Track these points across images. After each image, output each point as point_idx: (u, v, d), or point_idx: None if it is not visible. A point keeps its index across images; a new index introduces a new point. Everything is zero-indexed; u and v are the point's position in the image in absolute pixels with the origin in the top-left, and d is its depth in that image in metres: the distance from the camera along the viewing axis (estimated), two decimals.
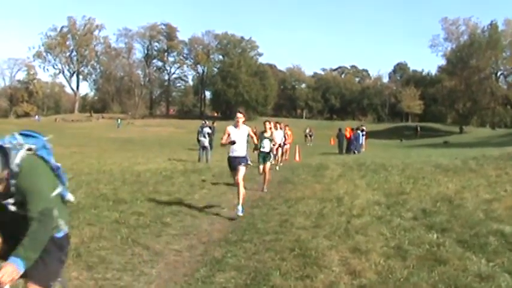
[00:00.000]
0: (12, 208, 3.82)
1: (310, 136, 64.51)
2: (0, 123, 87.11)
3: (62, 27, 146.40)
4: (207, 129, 29.14)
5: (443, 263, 7.40)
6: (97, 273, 7.30)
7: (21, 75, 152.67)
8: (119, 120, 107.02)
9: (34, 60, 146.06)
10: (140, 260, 8.00)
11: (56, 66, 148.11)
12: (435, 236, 9.03)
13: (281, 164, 25.46)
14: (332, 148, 41.44)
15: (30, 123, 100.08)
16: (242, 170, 12.15)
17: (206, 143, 28.59)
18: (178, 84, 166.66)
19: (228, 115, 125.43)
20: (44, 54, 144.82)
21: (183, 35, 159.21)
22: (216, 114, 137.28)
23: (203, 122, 30.32)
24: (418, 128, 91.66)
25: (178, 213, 11.88)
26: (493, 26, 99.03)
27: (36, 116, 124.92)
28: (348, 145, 39.49)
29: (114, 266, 7.62)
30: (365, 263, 7.55)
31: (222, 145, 12.12)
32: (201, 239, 9.43)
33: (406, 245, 8.45)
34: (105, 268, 7.52)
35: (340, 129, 42.90)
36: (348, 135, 39.92)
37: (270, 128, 17.74)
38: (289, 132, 30.29)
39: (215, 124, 42.62)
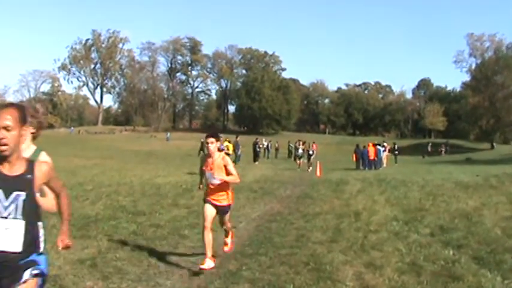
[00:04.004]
0: None
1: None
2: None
3: (87, 40, 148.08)
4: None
5: (458, 279, 7.38)
6: (112, 283, 7.39)
7: (45, 87, 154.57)
8: (168, 133, 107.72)
9: (59, 72, 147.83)
10: (156, 271, 8.09)
11: (80, 79, 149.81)
12: (451, 252, 9.01)
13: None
14: (354, 164, 41.20)
15: (54, 134, 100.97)
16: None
17: None
18: (202, 98, 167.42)
19: (251, 129, 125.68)
20: (69, 66, 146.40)
21: (206, 49, 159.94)
22: (243, 128, 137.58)
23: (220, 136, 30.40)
24: (447, 147, 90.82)
25: (196, 225, 11.90)
26: None
27: (72, 128, 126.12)
28: (368, 161, 39.17)
29: (130, 277, 7.72)
30: (379, 278, 7.56)
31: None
32: (217, 251, 9.45)
33: (421, 261, 8.44)
34: (120, 278, 7.61)
35: (357, 145, 42.65)
36: (372, 155, 39.50)
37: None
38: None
39: (239, 138, 42.84)
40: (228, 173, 8.49)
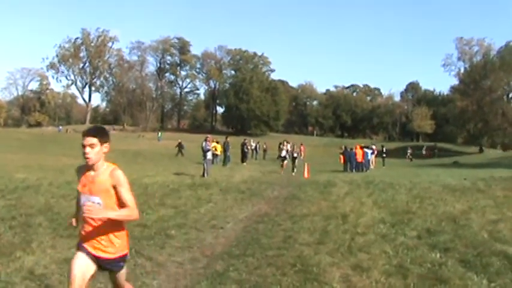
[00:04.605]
0: None
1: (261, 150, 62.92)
2: (17, 133, 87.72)
3: (76, 38, 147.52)
4: (203, 143, 29.23)
5: (444, 282, 7.41)
6: (99, 283, 7.34)
7: (34, 85, 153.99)
8: (159, 133, 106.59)
9: (47, 71, 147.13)
10: (142, 271, 8.07)
11: (68, 77, 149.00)
12: (438, 255, 9.04)
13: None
14: (341, 166, 41.16)
15: (42, 133, 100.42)
16: None
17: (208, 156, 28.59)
18: (190, 98, 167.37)
19: (239, 130, 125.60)
20: (58, 65, 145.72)
21: (195, 50, 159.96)
22: (231, 129, 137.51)
23: (205, 136, 30.30)
24: (435, 150, 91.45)
25: (183, 226, 11.92)
26: (507, 47, 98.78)
27: (60, 127, 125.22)
28: (356, 163, 39.08)
29: None
30: (365, 280, 7.58)
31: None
32: (204, 252, 9.46)
33: (408, 264, 8.46)
34: (107, 278, 7.57)
35: (345, 147, 42.64)
36: (360, 158, 39.35)
37: None
38: None
39: (228, 139, 42.81)
40: (120, 202, 5.01)
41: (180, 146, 61.19)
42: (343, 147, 58.22)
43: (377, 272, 7.94)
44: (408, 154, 68.93)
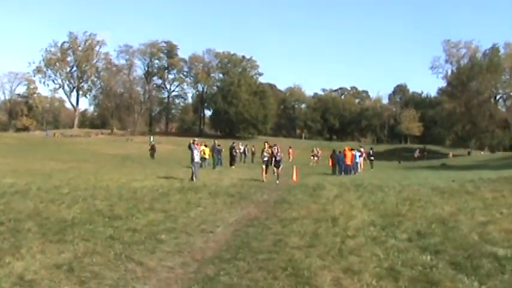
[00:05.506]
0: None
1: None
2: (5, 137, 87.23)
3: (63, 42, 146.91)
4: (190, 146, 28.91)
5: (435, 284, 7.44)
6: None
7: (21, 89, 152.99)
8: (152, 137, 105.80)
9: (34, 75, 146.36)
10: (133, 276, 8.02)
11: (56, 81, 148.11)
12: (428, 257, 9.06)
13: None
14: (330, 169, 41.05)
15: (30, 137, 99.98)
16: None
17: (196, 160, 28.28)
18: (178, 102, 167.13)
19: (228, 133, 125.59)
20: (44, 69, 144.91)
21: (183, 53, 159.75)
22: (219, 133, 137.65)
23: (193, 139, 29.96)
24: (424, 152, 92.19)
25: (173, 230, 11.87)
26: (494, 49, 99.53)
27: (48, 131, 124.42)
28: (345, 166, 38.98)
29: (107, 282, 7.65)
30: (357, 283, 7.59)
31: None
32: (195, 256, 9.42)
33: (399, 266, 8.47)
34: (97, 283, 7.54)
35: (334, 150, 42.54)
36: (349, 160, 39.21)
37: None
38: None
39: (218, 143, 42.95)
40: None
41: (152, 149, 61.54)
42: (314, 149, 58.63)
43: (368, 275, 7.94)
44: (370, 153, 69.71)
